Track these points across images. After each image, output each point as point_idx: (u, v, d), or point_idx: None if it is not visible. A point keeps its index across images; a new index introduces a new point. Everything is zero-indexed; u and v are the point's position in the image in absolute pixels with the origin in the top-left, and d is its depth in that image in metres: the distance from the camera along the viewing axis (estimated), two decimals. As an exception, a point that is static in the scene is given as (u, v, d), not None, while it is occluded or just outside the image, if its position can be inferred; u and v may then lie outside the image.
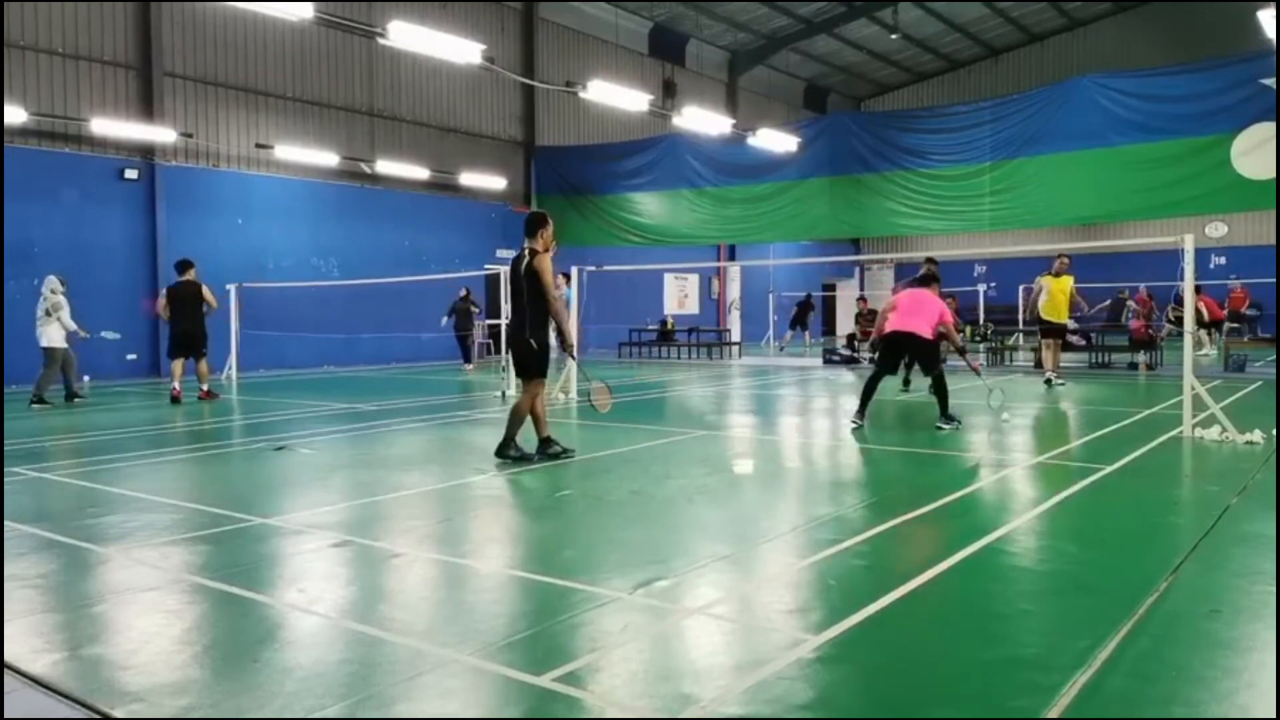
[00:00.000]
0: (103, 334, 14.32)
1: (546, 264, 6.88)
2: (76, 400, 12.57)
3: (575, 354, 7.66)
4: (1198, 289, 14.73)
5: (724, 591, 4.12)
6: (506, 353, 7.56)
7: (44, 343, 12.41)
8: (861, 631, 3.49)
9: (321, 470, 7.42)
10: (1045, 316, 13.76)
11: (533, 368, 7.10)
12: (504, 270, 14.35)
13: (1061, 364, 17.39)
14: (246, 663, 3.26)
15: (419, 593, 4.32)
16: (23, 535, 5.09)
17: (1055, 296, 13.57)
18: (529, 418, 7.29)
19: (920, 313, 9.51)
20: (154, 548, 4.86)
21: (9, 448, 8.16)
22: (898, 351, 9.81)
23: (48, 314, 12.41)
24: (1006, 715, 2.80)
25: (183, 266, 12.60)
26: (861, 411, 9.53)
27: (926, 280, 10.38)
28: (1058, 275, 13.60)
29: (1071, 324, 17.00)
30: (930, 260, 13.67)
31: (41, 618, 3.79)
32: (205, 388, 12.75)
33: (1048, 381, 13.50)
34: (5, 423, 9.92)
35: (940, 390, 9.44)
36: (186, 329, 12.45)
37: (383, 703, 2.92)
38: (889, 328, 9.57)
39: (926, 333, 9.41)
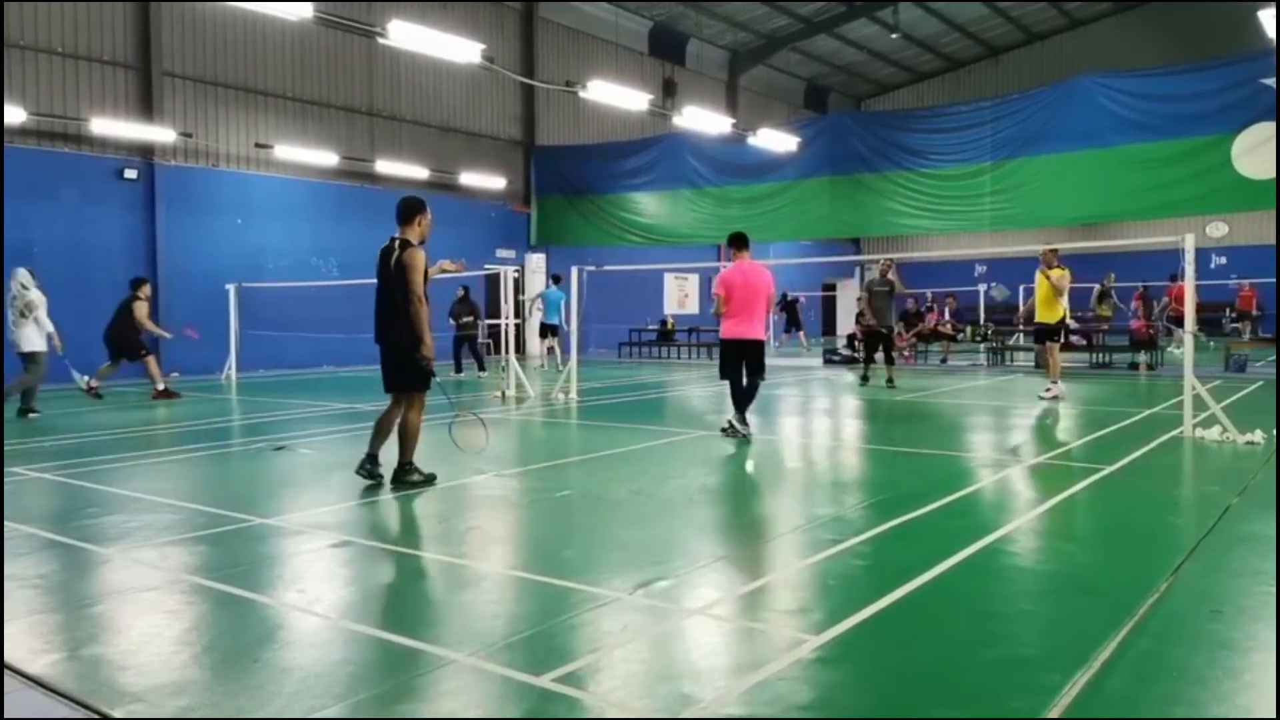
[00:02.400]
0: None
1: (418, 259, 6.12)
2: (30, 416, 10.84)
3: (431, 365, 6.28)
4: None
5: (724, 592, 4.12)
6: (387, 358, 6.41)
7: (24, 347, 11.05)
8: (862, 632, 3.49)
9: (321, 470, 7.41)
10: (1039, 319, 12.46)
11: (419, 378, 6.28)
12: (505, 273, 14.38)
13: (1063, 364, 17.34)
14: (246, 663, 3.26)
15: (418, 593, 4.32)
16: (23, 535, 5.09)
17: (1044, 295, 12.25)
18: (393, 432, 6.45)
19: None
20: (153, 548, 4.86)
21: (9, 448, 8.16)
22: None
23: (22, 314, 11.06)
24: (1007, 715, 2.80)
25: (133, 284, 13.32)
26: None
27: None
28: (1047, 268, 12.17)
29: (1073, 323, 16.80)
30: (889, 261, 14.30)
31: (41, 618, 3.79)
32: (159, 387, 12.81)
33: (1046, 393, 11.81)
34: (7, 420, 9.91)
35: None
36: (110, 336, 13.21)
37: (383, 703, 2.92)
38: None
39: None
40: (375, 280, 6.48)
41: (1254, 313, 25.09)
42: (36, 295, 11.24)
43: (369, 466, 6.47)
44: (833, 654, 3.28)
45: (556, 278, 18.82)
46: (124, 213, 16.80)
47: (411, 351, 6.21)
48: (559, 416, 10.98)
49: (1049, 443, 8.86)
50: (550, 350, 19.29)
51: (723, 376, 8.87)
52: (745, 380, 8.72)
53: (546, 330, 19.02)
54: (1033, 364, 17.16)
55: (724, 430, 8.66)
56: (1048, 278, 12.12)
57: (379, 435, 6.52)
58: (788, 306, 26.52)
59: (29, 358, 11.15)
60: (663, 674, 3.15)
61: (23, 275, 11.36)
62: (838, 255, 30.60)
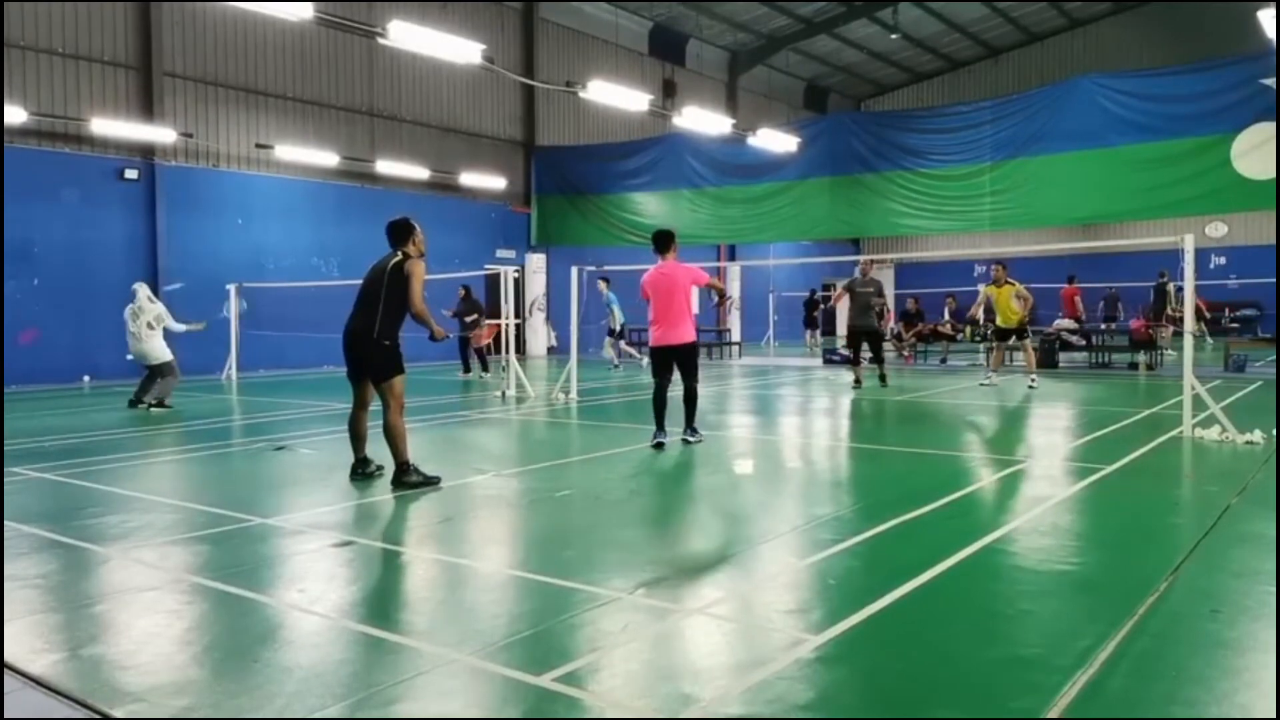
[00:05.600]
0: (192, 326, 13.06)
1: (420, 270, 6.44)
2: (143, 406, 11.57)
3: (440, 336, 6.68)
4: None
5: (724, 591, 4.12)
6: (351, 349, 6.61)
7: (154, 359, 11.61)
8: (862, 631, 3.49)
9: (321, 470, 7.41)
10: (998, 324, 14.22)
11: (390, 368, 6.46)
12: (505, 273, 14.39)
13: (1063, 364, 17.48)
14: (247, 663, 3.26)
15: (419, 593, 4.32)
16: (23, 535, 5.09)
17: (1002, 305, 13.92)
18: (367, 434, 6.70)
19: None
20: (154, 548, 4.86)
21: (9, 448, 8.16)
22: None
23: (149, 326, 11.62)
24: (1007, 715, 2.80)
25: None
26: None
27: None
28: (997, 285, 13.97)
29: (1070, 323, 17.22)
30: (869, 261, 14.97)
31: (41, 618, 3.79)
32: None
33: (984, 383, 13.75)
34: (7, 420, 9.92)
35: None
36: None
37: (383, 703, 2.92)
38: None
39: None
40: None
41: (1206, 315, 25.04)
42: (161, 307, 12.01)
43: (360, 470, 6.72)
44: (833, 653, 3.28)
45: (605, 280, 18.45)
46: (124, 213, 16.81)
47: (379, 339, 6.41)
48: (559, 416, 10.99)
49: (1049, 442, 8.86)
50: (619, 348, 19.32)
51: (654, 390, 8.32)
52: (683, 387, 8.24)
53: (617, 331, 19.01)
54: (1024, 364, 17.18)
55: (684, 441, 8.18)
56: (1014, 294, 13.76)
57: (356, 441, 6.73)
58: (810, 304, 26.45)
59: (163, 368, 11.74)
60: (663, 673, 3.15)
61: (146, 289, 12.13)
62: (838, 255, 30.59)
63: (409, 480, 6.35)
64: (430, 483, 6.40)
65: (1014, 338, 14.17)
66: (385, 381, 6.45)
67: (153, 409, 11.46)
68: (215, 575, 4.32)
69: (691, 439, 8.24)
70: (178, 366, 12.00)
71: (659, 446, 8.04)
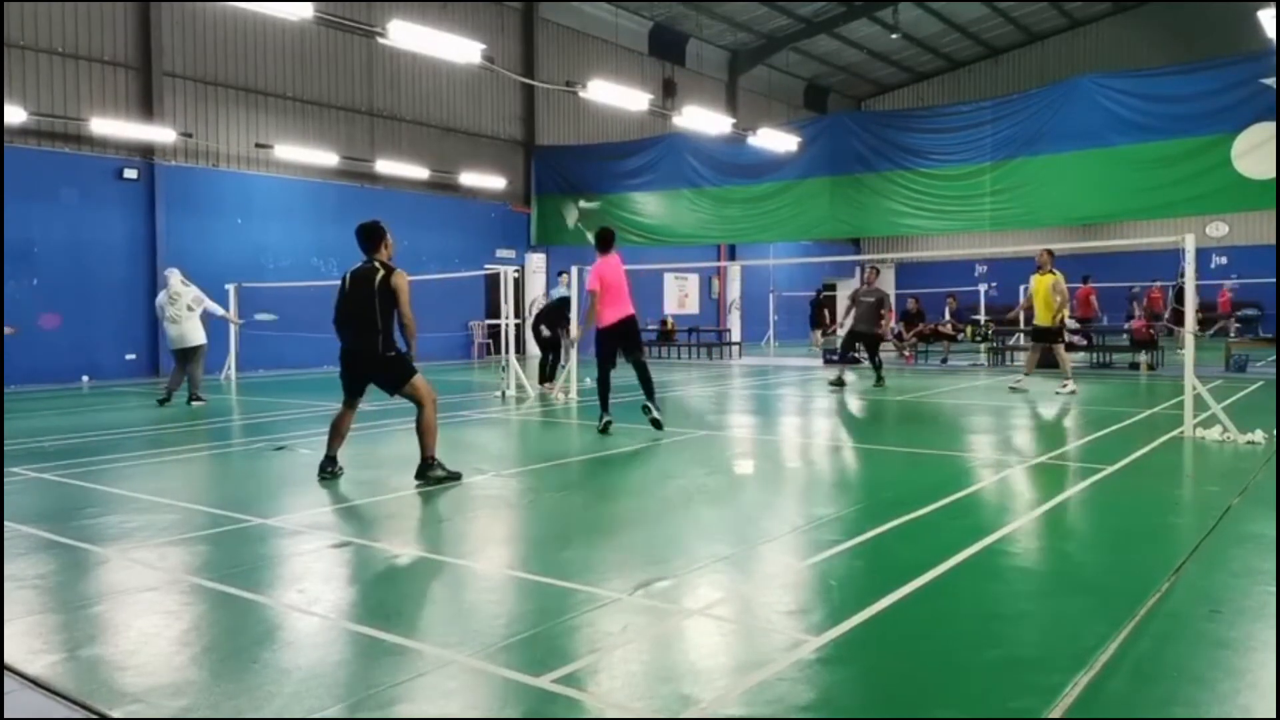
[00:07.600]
0: (258, 316, 13.30)
1: (405, 283, 6.46)
2: (199, 403, 11.87)
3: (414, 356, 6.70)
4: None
5: (724, 592, 4.11)
6: (357, 368, 6.64)
7: (192, 341, 11.77)
8: (862, 632, 3.48)
9: (321, 470, 7.40)
10: (1035, 321, 13.12)
11: (404, 373, 6.51)
12: (505, 273, 14.38)
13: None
14: (246, 663, 3.26)
15: (419, 593, 4.32)
16: (23, 535, 5.09)
17: (1041, 297, 12.75)
18: (347, 434, 6.83)
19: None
20: (153, 548, 4.85)
21: (9, 448, 8.16)
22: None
23: (189, 308, 11.83)
24: (1007, 716, 2.80)
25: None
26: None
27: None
28: (1040, 272, 12.79)
29: (1072, 324, 17.05)
30: (875, 268, 14.74)
31: (40, 618, 3.79)
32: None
33: (1013, 387, 12.79)
34: (7, 420, 9.91)
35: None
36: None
37: (383, 703, 2.91)
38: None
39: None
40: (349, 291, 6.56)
41: (1232, 314, 25.03)
42: (197, 289, 12.16)
43: (329, 469, 6.75)
44: (833, 654, 3.28)
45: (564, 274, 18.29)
46: (124, 213, 16.81)
47: (385, 352, 6.48)
48: (559, 416, 10.98)
49: (1049, 443, 8.86)
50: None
51: (601, 374, 9.06)
52: (632, 364, 9.02)
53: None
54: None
55: (601, 430, 8.90)
56: (1053, 284, 12.63)
57: (335, 438, 6.79)
58: (817, 304, 26.33)
59: (194, 352, 11.90)
60: (663, 674, 3.15)
61: (179, 274, 12.22)
62: (838, 255, 30.59)
63: (434, 475, 6.46)
64: (453, 477, 6.51)
65: (1049, 339, 12.77)
66: (407, 386, 6.55)
67: (193, 403, 11.80)
68: (214, 576, 4.31)
69: (655, 411, 8.81)
70: (205, 357, 12.31)
71: (607, 428, 8.87)
